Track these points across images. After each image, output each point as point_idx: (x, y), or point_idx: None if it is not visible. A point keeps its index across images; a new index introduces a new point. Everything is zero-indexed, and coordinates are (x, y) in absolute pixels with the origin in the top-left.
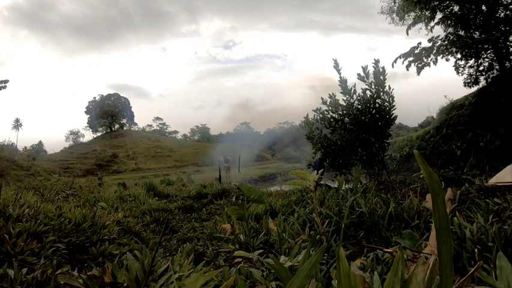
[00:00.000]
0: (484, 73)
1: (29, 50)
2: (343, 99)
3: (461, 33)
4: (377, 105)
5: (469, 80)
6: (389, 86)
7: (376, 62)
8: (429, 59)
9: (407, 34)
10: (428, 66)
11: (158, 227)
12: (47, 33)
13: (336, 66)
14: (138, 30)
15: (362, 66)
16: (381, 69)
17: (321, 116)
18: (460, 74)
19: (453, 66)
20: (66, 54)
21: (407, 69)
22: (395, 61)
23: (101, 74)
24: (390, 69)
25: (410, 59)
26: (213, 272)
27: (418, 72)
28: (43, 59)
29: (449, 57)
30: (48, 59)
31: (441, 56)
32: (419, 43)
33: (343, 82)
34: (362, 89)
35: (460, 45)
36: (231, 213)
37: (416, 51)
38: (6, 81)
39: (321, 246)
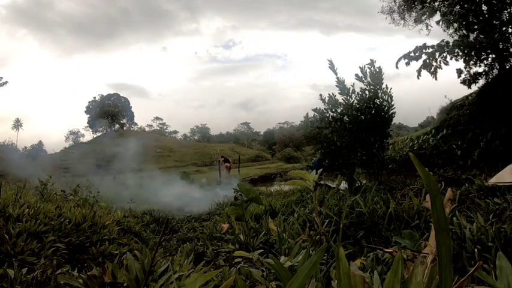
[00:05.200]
0: (484, 74)
1: (27, 49)
2: (342, 99)
3: (463, 32)
4: (375, 105)
5: (469, 77)
6: (386, 85)
7: (372, 62)
8: (438, 61)
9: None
10: (440, 69)
11: (158, 227)
12: (45, 31)
13: (332, 67)
14: (137, 29)
15: (360, 67)
16: (377, 70)
17: (320, 116)
18: (461, 76)
19: (457, 73)
20: (65, 53)
21: (419, 75)
22: (398, 62)
23: (100, 73)
24: (392, 69)
25: (415, 59)
26: (213, 272)
27: (435, 77)
28: (41, 58)
29: (454, 59)
30: (47, 58)
31: (450, 57)
32: (425, 44)
33: (340, 83)
34: (361, 88)
35: (464, 46)
36: (231, 213)
37: (423, 55)
38: (4, 83)
39: (320, 246)
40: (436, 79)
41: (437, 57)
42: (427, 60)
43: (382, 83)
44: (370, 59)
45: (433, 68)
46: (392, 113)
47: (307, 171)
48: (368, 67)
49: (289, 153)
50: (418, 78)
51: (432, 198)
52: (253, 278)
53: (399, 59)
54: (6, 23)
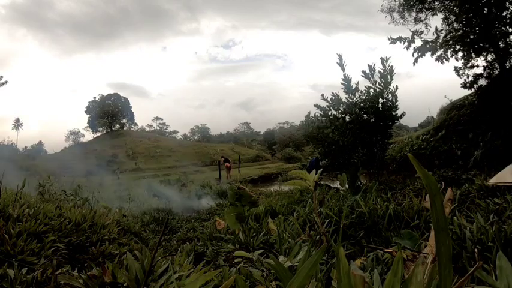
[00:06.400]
0: (484, 73)
1: (27, 48)
2: (345, 98)
3: (463, 31)
4: (380, 104)
5: (469, 80)
6: (396, 86)
7: (384, 60)
8: (438, 53)
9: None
10: (447, 61)
11: (158, 227)
12: (45, 31)
13: (340, 63)
14: (137, 29)
15: (368, 64)
16: (389, 69)
17: (321, 113)
18: (460, 76)
19: (454, 70)
20: (65, 52)
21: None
22: (413, 55)
23: (100, 73)
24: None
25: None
26: (213, 272)
27: (442, 61)
28: (41, 57)
29: (449, 55)
30: (47, 57)
31: (451, 54)
32: (438, 36)
33: (346, 80)
34: (365, 87)
35: (462, 43)
36: (226, 215)
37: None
38: (4, 83)
39: (320, 246)
40: (442, 63)
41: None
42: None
43: (391, 83)
44: (382, 57)
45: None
46: (397, 113)
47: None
48: (381, 64)
49: (289, 153)
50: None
51: (432, 198)
52: (253, 278)
53: (414, 52)
54: (6, 23)
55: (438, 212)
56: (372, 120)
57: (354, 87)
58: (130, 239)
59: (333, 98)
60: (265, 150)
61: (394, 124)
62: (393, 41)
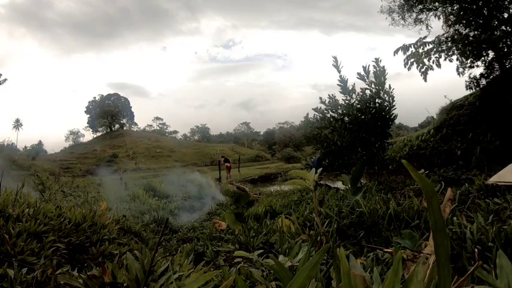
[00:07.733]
0: (485, 74)
1: (26, 48)
2: (342, 99)
3: (463, 32)
4: (377, 104)
5: (470, 82)
6: (389, 85)
7: (377, 61)
8: (431, 60)
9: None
10: (431, 70)
11: (158, 227)
12: (44, 31)
13: (336, 65)
14: (137, 28)
15: (363, 66)
16: (381, 69)
17: (320, 115)
18: (461, 75)
19: (456, 71)
20: (65, 52)
21: (408, 69)
22: (396, 51)
23: (100, 73)
24: (394, 69)
25: (408, 53)
26: (213, 272)
27: (424, 78)
28: (41, 57)
29: (452, 57)
30: (46, 57)
31: (444, 57)
32: (425, 37)
33: (342, 81)
34: (361, 88)
35: (462, 44)
36: (227, 218)
37: (420, 50)
38: (4, 81)
39: (320, 246)
40: (425, 80)
41: (432, 55)
42: (421, 56)
43: (385, 83)
44: (375, 58)
45: (424, 67)
46: (394, 114)
47: (307, 170)
48: (373, 66)
49: (289, 153)
50: (408, 69)
51: (428, 200)
52: (253, 278)
53: (397, 49)
54: (5, 22)
55: (435, 213)
56: (370, 120)
57: (350, 88)
58: (130, 239)
59: (331, 100)
60: (265, 150)
61: (392, 124)
62: (396, 51)
